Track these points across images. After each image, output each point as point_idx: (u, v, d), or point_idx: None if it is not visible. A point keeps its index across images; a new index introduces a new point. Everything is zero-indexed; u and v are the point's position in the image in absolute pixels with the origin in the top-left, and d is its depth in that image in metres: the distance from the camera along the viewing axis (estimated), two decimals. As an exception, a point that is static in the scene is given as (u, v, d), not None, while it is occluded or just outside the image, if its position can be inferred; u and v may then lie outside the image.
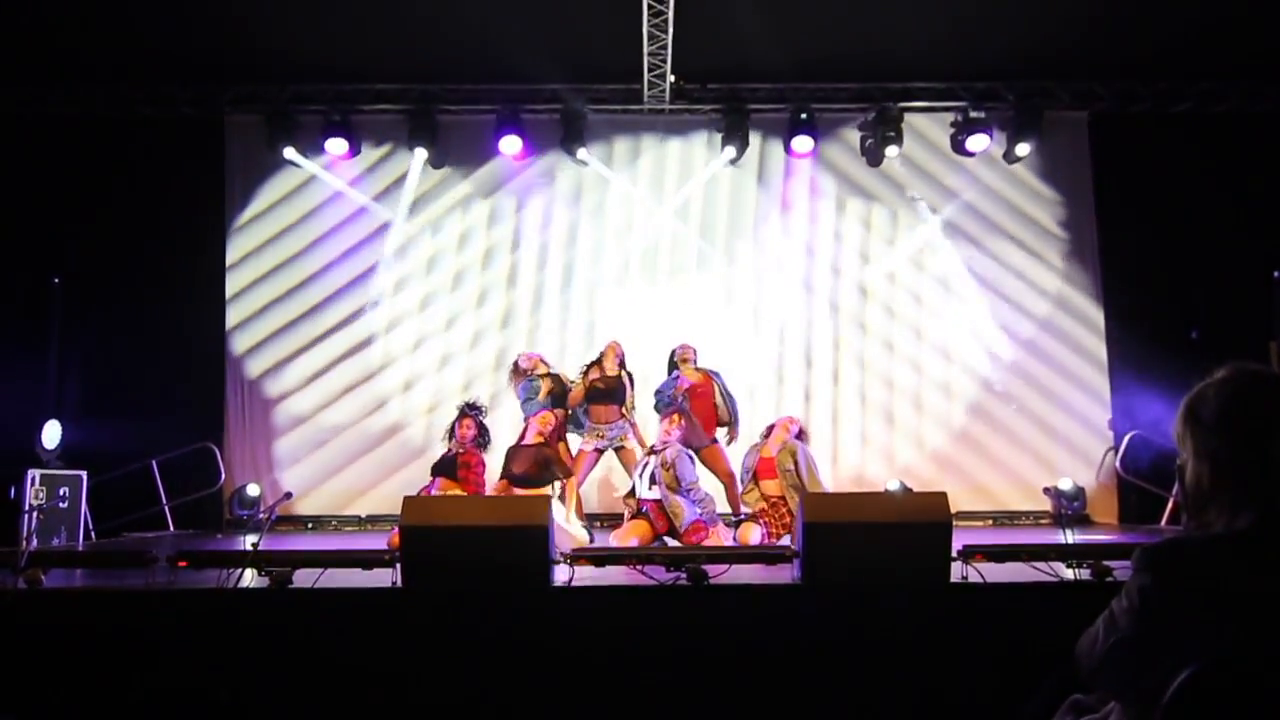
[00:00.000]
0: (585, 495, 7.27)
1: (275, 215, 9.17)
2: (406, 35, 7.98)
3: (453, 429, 6.26)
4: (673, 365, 7.08)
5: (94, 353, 8.60)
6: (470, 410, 6.34)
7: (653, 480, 5.73)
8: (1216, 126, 8.75)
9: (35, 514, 5.76)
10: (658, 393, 6.93)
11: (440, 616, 3.70)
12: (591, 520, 7.25)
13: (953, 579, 3.84)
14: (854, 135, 9.18)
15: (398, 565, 3.88)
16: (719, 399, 6.91)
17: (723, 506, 6.69)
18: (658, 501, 5.67)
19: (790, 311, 9.06)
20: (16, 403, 7.43)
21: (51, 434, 7.28)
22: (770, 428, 6.34)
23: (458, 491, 5.83)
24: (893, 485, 8.28)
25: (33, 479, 6.36)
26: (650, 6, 7.31)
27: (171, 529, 7.98)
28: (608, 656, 3.63)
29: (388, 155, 9.20)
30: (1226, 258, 8.46)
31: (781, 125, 9.00)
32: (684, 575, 3.83)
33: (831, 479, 7.78)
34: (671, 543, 5.62)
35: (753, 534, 5.89)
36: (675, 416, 6.02)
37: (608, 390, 6.85)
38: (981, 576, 3.84)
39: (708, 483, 6.35)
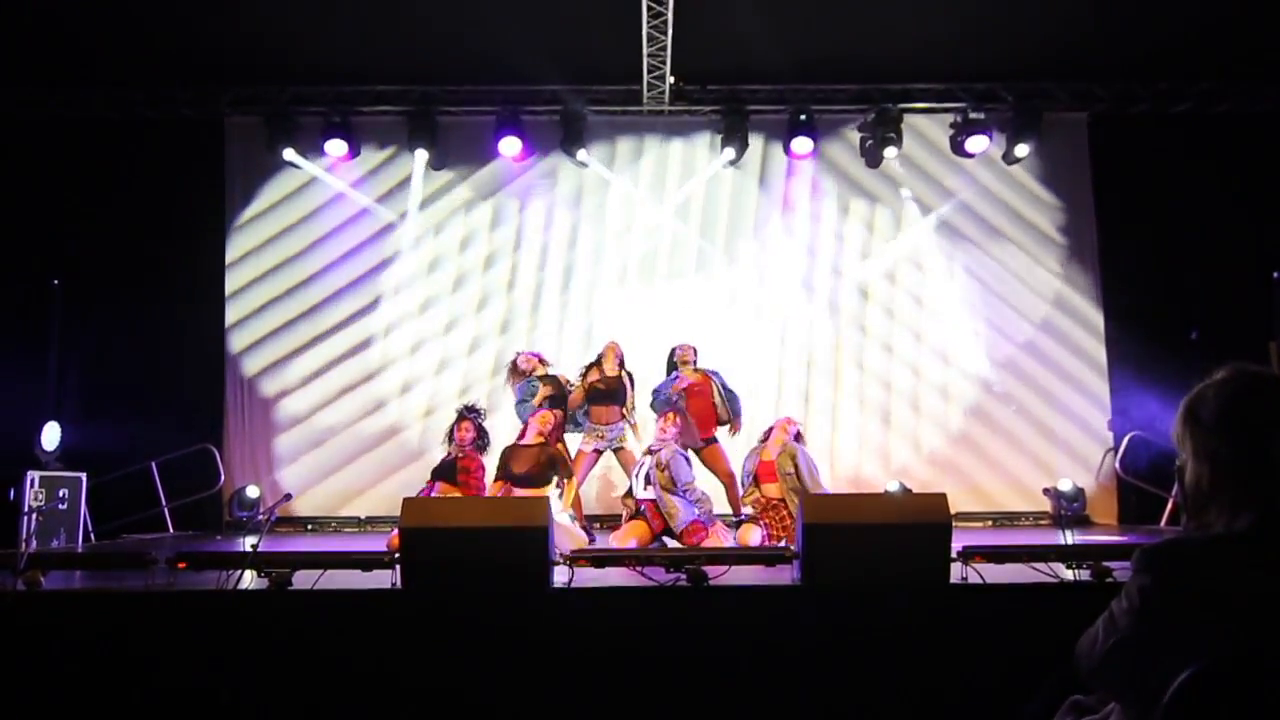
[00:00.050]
0: (584, 496, 7.26)
1: (275, 216, 9.17)
2: (406, 36, 7.99)
3: (451, 431, 6.26)
4: (672, 366, 7.08)
5: (94, 354, 8.60)
6: (469, 413, 6.34)
7: (648, 481, 5.73)
8: (1216, 127, 8.75)
9: (34, 516, 5.77)
10: (655, 392, 6.93)
11: (440, 618, 3.70)
12: (591, 521, 7.25)
13: (952, 580, 3.84)
14: (854, 136, 9.18)
15: (397, 567, 3.88)
16: (717, 398, 6.91)
17: (723, 507, 6.70)
18: (653, 501, 5.67)
19: (790, 312, 9.06)
20: (16, 404, 7.43)
21: (51, 435, 7.28)
22: (769, 430, 6.35)
23: (457, 495, 5.83)
24: (892, 486, 8.28)
25: (32, 480, 6.35)
26: (650, 8, 7.31)
27: (171, 530, 7.98)
28: (607, 658, 3.63)
29: (388, 157, 9.20)
30: (1226, 258, 8.47)
31: (781, 126, 9.00)
32: (684, 576, 3.83)
33: (830, 480, 7.78)
34: (670, 543, 5.62)
35: (752, 535, 5.89)
36: (670, 415, 6.01)
37: (608, 391, 6.85)
38: (981, 577, 3.84)
39: (708, 483, 6.35)
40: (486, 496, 5.86)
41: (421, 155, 8.91)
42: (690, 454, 6.10)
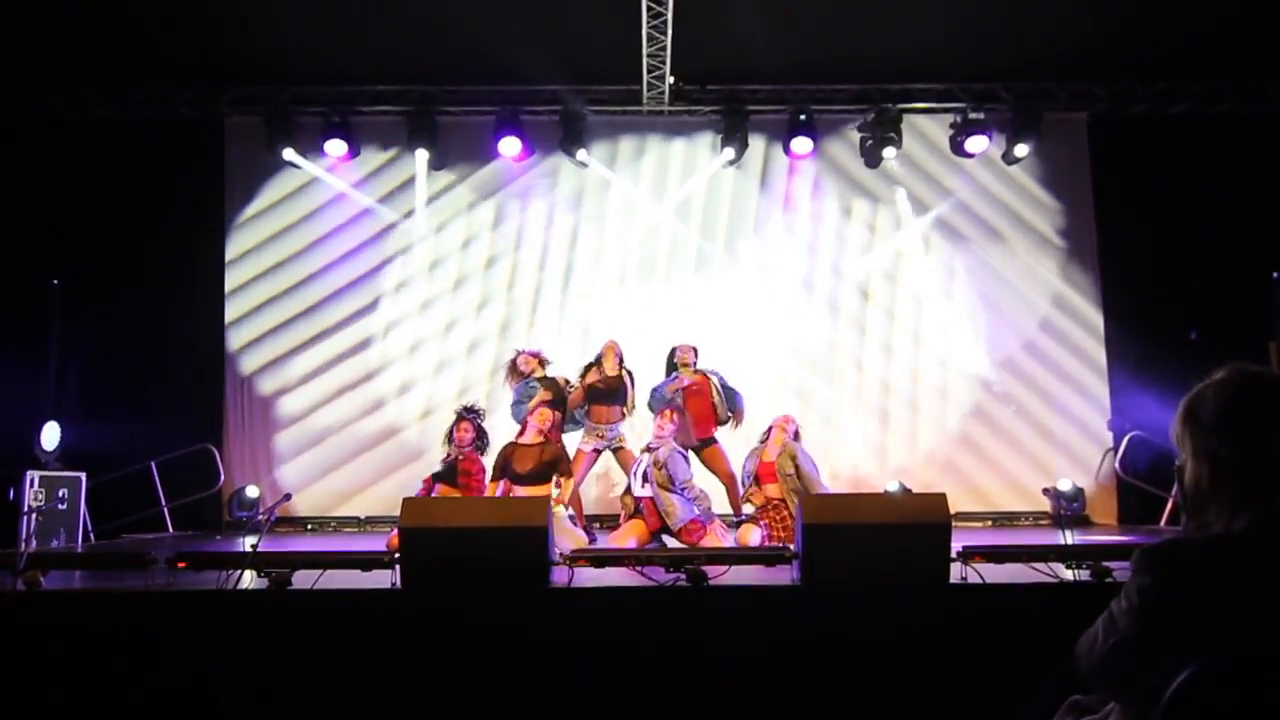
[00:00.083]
0: (584, 496, 7.26)
1: (275, 217, 9.17)
2: (406, 36, 7.99)
3: (451, 432, 6.26)
4: (672, 366, 7.08)
5: (93, 354, 8.60)
6: (468, 413, 6.34)
7: (645, 479, 5.72)
8: (1216, 127, 8.76)
9: (34, 516, 5.76)
10: (653, 392, 6.93)
11: (439, 618, 3.70)
12: (590, 521, 7.26)
13: (952, 580, 3.84)
14: (854, 136, 9.17)
15: (397, 567, 3.89)
16: (716, 398, 6.90)
17: (723, 507, 6.70)
18: (651, 499, 5.67)
19: (789, 312, 9.06)
20: (15, 404, 7.42)
21: (50, 435, 7.28)
22: (769, 430, 6.34)
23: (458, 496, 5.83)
24: (892, 486, 8.28)
25: (32, 480, 6.35)
26: (650, 8, 7.31)
27: (171, 530, 7.98)
28: (607, 658, 3.63)
29: (388, 157, 9.19)
30: (1226, 258, 8.47)
31: (781, 126, 9.00)
32: (683, 576, 3.83)
33: (829, 480, 7.78)
34: (669, 541, 5.62)
35: (752, 535, 5.89)
36: (668, 413, 5.97)
37: (609, 391, 6.84)
38: (981, 577, 3.84)
39: (709, 484, 6.34)
40: (487, 496, 5.86)
41: (423, 155, 8.91)
42: (689, 453, 6.09)
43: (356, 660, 3.63)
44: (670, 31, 7.57)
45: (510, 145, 8.78)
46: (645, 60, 8.09)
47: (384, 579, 3.90)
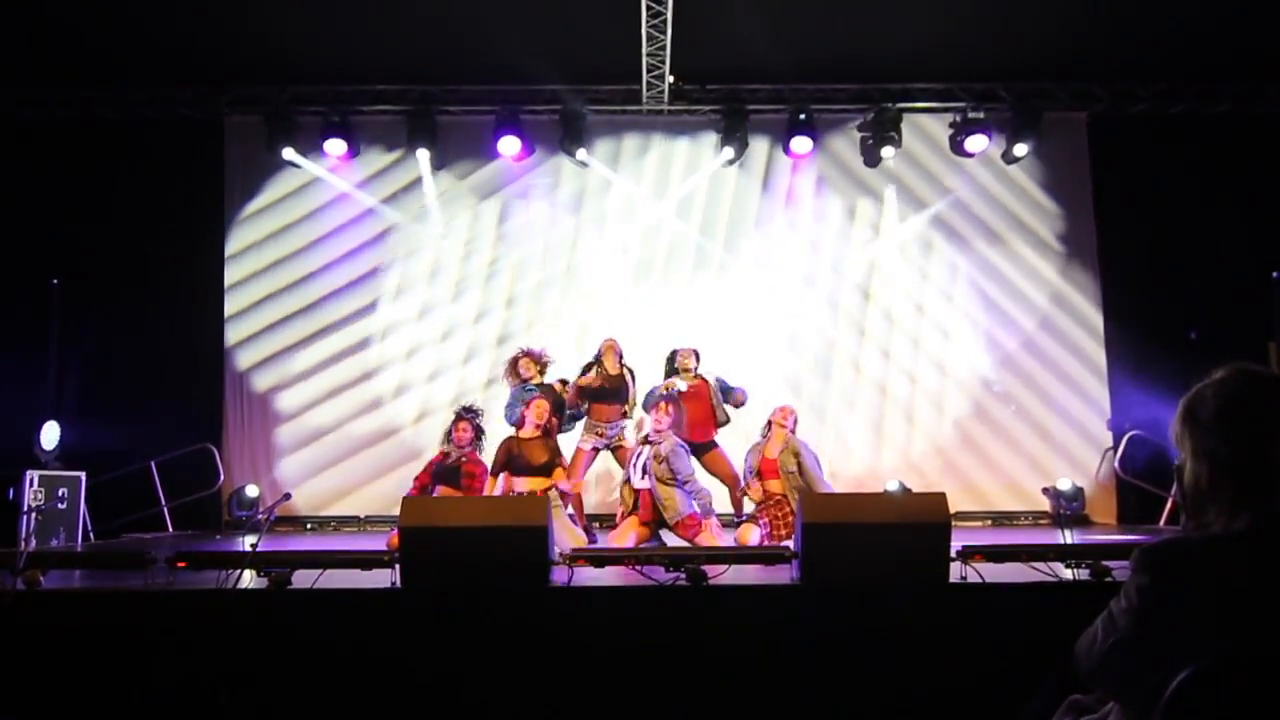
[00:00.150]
0: (583, 495, 7.24)
1: (275, 217, 9.17)
2: (406, 36, 7.99)
3: (450, 432, 6.25)
4: (672, 370, 7.04)
5: (93, 353, 8.60)
6: (467, 413, 6.33)
7: (644, 471, 5.72)
8: (1215, 127, 8.76)
9: (34, 515, 5.76)
10: (648, 395, 6.90)
11: (439, 617, 3.70)
12: (590, 520, 7.25)
13: (952, 579, 3.84)
14: (854, 135, 9.17)
15: (397, 566, 3.89)
16: (714, 401, 6.88)
17: (726, 507, 6.70)
18: (648, 491, 5.67)
19: (789, 310, 9.06)
20: (15, 403, 7.43)
21: (50, 435, 7.28)
22: (769, 424, 6.30)
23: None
24: (892, 486, 8.28)
25: (31, 480, 6.35)
26: (649, 7, 7.31)
27: (170, 530, 7.98)
28: (607, 657, 3.63)
29: (395, 160, 9.19)
30: (1226, 258, 8.47)
31: (780, 126, 9.00)
32: (683, 576, 3.83)
33: (828, 478, 7.78)
34: (666, 537, 5.62)
35: (752, 535, 5.89)
36: (663, 405, 5.95)
37: (612, 390, 6.83)
38: (981, 577, 3.84)
39: (709, 484, 6.33)
40: (487, 496, 5.85)
41: (424, 155, 8.90)
42: (687, 446, 6.07)
43: (357, 660, 3.63)
44: (670, 31, 7.57)
45: (510, 145, 8.78)
46: (645, 60, 8.09)
47: (384, 578, 3.90)
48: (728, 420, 6.89)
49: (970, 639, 3.60)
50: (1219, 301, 8.35)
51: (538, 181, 9.20)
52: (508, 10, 7.48)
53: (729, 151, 8.87)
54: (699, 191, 9.20)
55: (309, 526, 8.64)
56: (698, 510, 5.66)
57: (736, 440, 7.00)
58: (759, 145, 9.15)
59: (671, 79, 8.45)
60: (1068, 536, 4.90)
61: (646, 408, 6.70)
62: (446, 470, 6.06)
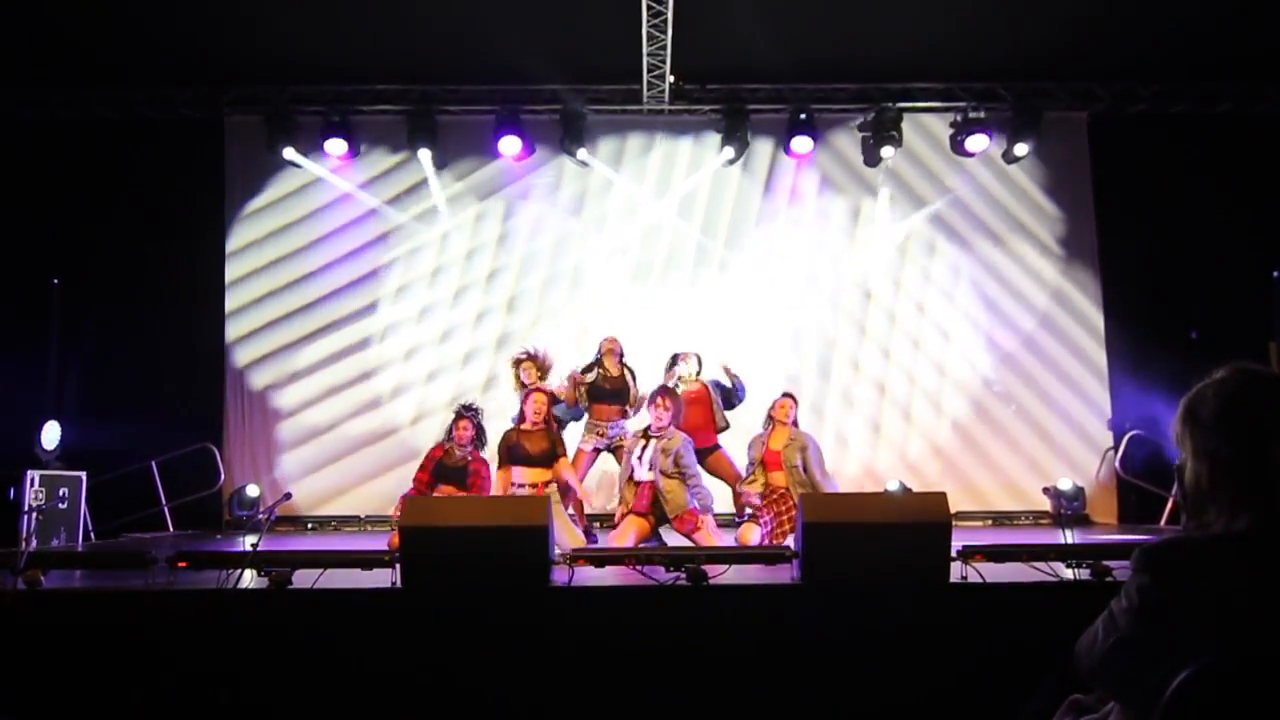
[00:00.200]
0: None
1: (275, 216, 9.17)
2: (406, 35, 7.99)
3: (450, 431, 6.24)
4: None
5: (94, 353, 8.60)
6: (467, 411, 6.32)
7: (651, 465, 5.71)
8: (1216, 127, 8.76)
9: (35, 515, 5.77)
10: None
11: (440, 617, 3.70)
12: (590, 521, 7.24)
13: (952, 579, 3.84)
14: (855, 135, 9.17)
15: (397, 566, 3.89)
16: (715, 406, 6.87)
17: (728, 507, 6.70)
18: (650, 483, 5.67)
19: (789, 310, 9.06)
20: (16, 403, 7.43)
21: (51, 435, 7.29)
22: (770, 418, 6.27)
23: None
24: (892, 485, 8.28)
25: (32, 480, 6.36)
26: (650, 7, 7.31)
27: (171, 530, 7.98)
28: (607, 656, 3.63)
29: (390, 159, 9.18)
30: (1226, 258, 8.47)
31: (781, 125, 9.00)
32: (683, 575, 3.83)
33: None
34: (667, 537, 5.62)
35: (753, 535, 5.88)
36: (661, 400, 5.93)
37: (613, 390, 6.82)
38: (981, 576, 3.84)
39: (711, 486, 6.32)
40: (487, 496, 5.85)
41: (426, 155, 8.89)
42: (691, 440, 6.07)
43: (357, 659, 3.63)
44: (670, 30, 7.57)
45: (510, 144, 8.78)
46: (645, 59, 8.09)
47: (384, 578, 3.90)
48: (727, 426, 6.90)
49: (970, 639, 3.60)
50: (1219, 301, 8.34)
51: (538, 181, 9.20)
52: (508, 10, 7.48)
53: (729, 151, 8.87)
54: (700, 191, 9.20)
55: (309, 526, 8.65)
56: (696, 506, 5.67)
57: (737, 441, 6.99)
58: (760, 145, 9.16)
59: (672, 79, 8.45)
60: (1068, 536, 4.89)
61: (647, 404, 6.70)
62: (449, 469, 6.06)
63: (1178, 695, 1.37)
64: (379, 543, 5.82)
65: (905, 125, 8.88)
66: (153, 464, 7.92)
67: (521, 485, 5.91)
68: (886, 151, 8.82)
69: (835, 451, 8.70)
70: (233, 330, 9.02)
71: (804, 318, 9.06)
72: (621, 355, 6.92)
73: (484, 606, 3.71)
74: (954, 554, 3.91)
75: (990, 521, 8.54)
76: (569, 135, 8.83)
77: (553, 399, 6.63)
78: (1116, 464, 8.19)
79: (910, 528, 3.88)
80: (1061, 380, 8.97)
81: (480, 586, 3.76)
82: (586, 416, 6.88)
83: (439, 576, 3.80)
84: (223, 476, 8.40)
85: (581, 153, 8.89)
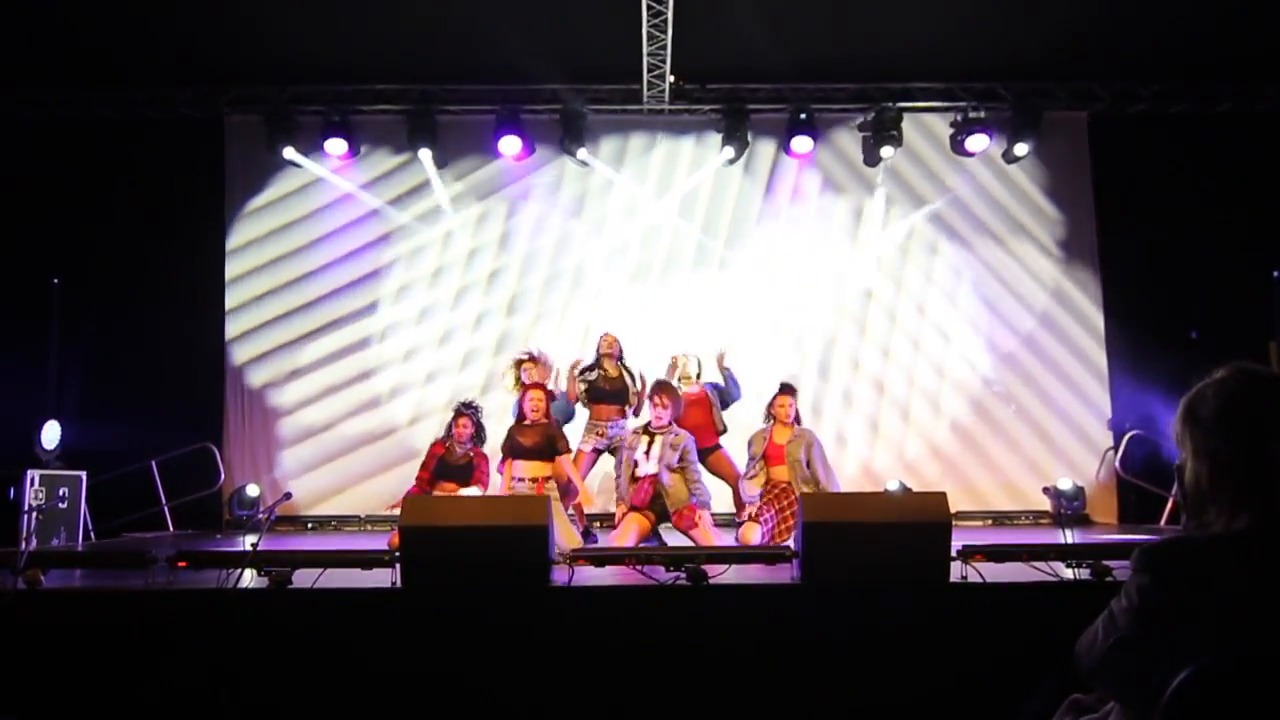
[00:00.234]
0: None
1: (275, 216, 9.17)
2: (406, 35, 7.99)
3: (450, 428, 6.24)
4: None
5: (94, 353, 8.60)
6: (467, 409, 6.32)
7: (658, 459, 5.72)
8: (1216, 127, 8.76)
9: (35, 514, 5.77)
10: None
11: (439, 616, 3.70)
12: (591, 521, 7.23)
13: (952, 579, 3.84)
14: (855, 134, 9.17)
15: (397, 565, 3.89)
16: (715, 410, 6.88)
17: (728, 507, 6.70)
18: (652, 477, 5.68)
19: (789, 311, 9.06)
20: (16, 403, 7.42)
21: (51, 434, 7.28)
22: (770, 415, 6.26)
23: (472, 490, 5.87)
24: (892, 485, 8.28)
25: (32, 479, 6.36)
26: (650, 7, 7.31)
27: (171, 529, 7.98)
28: (607, 656, 3.63)
29: (391, 159, 9.17)
30: (1226, 258, 8.47)
31: (781, 125, 9.00)
32: (683, 575, 3.83)
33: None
34: (667, 536, 5.63)
35: (754, 534, 5.89)
36: (659, 398, 5.93)
37: (612, 391, 6.82)
38: (981, 576, 3.84)
39: (712, 485, 6.33)
40: (487, 496, 5.86)
41: (427, 155, 8.88)
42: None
43: (357, 659, 3.63)
44: (670, 30, 7.57)
45: (510, 144, 8.78)
46: (645, 59, 8.08)
47: (384, 578, 3.90)
48: (725, 430, 6.91)
49: (970, 639, 3.60)
50: (1219, 301, 8.34)
51: (539, 181, 9.20)
52: (508, 10, 7.48)
53: (729, 151, 8.87)
54: (701, 191, 9.20)
55: (310, 526, 8.65)
56: (695, 502, 5.69)
57: (736, 441, 6.99)
58: (760, 145, 9.15)
59: (672, 78, 8.45)
60: (1068, 536, 4.89)
61: (637, 412, 6.74)
62: (450, 467, 6.07)
63: (1178, 695, 1.37)
64: (379, 542, 5.81)
65: (905, 125, 8.88)
66: (153, 463, 7.92)
67: (521, 479, 5.91)
68: (887, 151, 8.82)
69: (835, 451, 8.66)
70: (233, 330, 9.02)
71: (804, 317, 9.06)
72: (620, 355, 6.92)
73: (484, 606, 3.71)
74: (954, 554, 3.91)
75: (990, 521, 8.54)
76: (569, 135, 8.83)
77: (550, 396, 6.63)
78: (1116, 464, 8.19)
79: (910, 528, 3.88)
80: (1061, 380, 8.97)
81: (480, 586, 3.76)
82: (588, 416, 6.88)
83: (439, 576, 3.80)
84: (223, 476, 8.39)
85: (582, 153, 8.89)
